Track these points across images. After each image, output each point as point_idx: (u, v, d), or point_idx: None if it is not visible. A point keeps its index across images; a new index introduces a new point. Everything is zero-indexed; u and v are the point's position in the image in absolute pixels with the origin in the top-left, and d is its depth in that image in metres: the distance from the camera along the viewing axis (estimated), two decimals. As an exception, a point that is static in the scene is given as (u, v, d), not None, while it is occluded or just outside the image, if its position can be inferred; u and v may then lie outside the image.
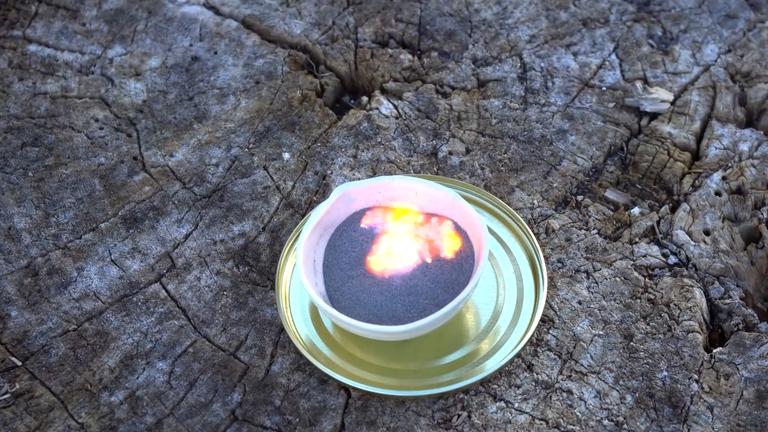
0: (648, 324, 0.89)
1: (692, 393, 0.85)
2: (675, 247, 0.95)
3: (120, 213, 0.99)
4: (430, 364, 0.86)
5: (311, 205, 1.00)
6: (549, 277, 0.92)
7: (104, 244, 0.96)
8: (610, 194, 1.01)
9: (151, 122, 1.07)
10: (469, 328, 0.89)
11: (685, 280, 0.92)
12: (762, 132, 1.05)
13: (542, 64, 1.12)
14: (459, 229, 0.89)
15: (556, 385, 0.85)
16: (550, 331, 0.89)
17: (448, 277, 0.87)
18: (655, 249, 0.95)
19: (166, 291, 0.93)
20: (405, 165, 1.03)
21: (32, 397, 0.85)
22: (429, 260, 0.88)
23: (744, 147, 1.03)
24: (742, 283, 0.93)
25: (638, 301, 0.91)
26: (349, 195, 0.91)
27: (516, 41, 1.15)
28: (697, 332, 0.88)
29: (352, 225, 0.91)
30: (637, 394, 0.85)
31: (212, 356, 0.88)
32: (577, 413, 0.84)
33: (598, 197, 1.00)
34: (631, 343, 0.88)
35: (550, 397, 0.85)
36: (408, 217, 0.91)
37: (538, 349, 0.88)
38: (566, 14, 1.17)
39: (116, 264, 0.95)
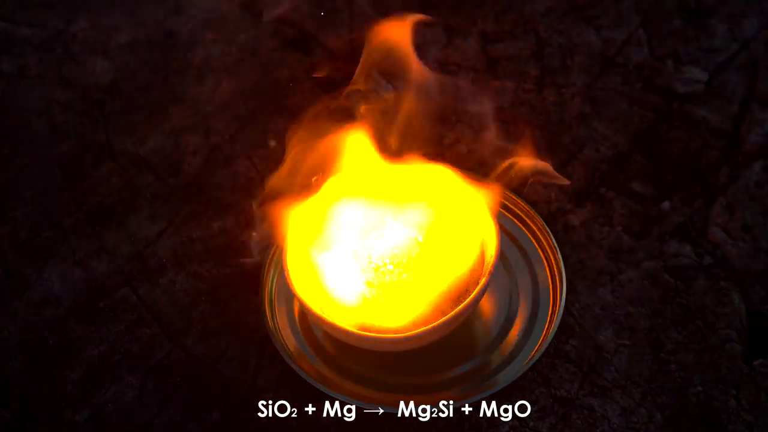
0: (680, 333, 0.89)
1: (730, 410, 0.84)
2: (710, 246, 0.95)
3: (84, 208, 0.99)
4: (433, 378, 0.86)
5: (300, 199, 1.00)
6: (568, 280, 0.92)
7: (67, 243, 0.96)
8: (637, 186, 1.00)
9: (120, 105, 1.08)
10: (477, 338, 0.89)
11: (722, 282, 0.92)
12: (808, 116, 1.05)
13: (560, 40, 1.12)
14: (467, 227, 0.89)
15: (576, 402, 0.85)
16: (570, 341, 0.89)
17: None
18: (687, 248, 0.95)
19: (137, 295, 0.93)
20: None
21: (-15, 416, 0.85)
22: (433, 260, 0.88)
23: (788, 133, 1.04)
24: (786, 286, 0.93)
25: (669, 306, 0.91)
26: (343, 188, 0.90)
27: (531, 14, 1.15)
28: (735, 342, 0.88)
29: (347, 221, 0.91)
30: (667, 412, 0.85)
31: (189, 369, 0.88)
32: (600, 433, 0.84)
33: (623, 190, 1.00)
34: (661, 354, 0.88)
35: (570, 415, 0.85)
36: (410, 212, 0.91)
37: (556, 361, 0.88)
38: (587, -16, 1.18)
39: (80, 265, 0.95)
